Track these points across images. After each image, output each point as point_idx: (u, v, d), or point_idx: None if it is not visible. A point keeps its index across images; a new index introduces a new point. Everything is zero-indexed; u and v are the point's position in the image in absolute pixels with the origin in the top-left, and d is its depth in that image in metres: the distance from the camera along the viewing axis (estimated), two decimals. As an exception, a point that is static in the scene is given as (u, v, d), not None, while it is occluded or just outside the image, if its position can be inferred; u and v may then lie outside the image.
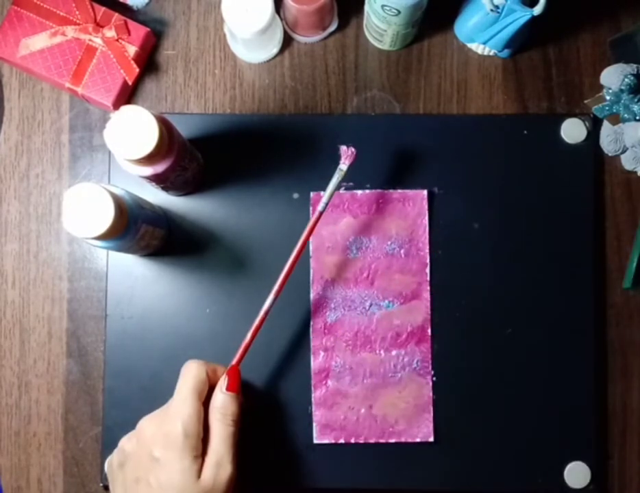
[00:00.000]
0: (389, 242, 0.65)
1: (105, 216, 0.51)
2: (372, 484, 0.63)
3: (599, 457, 0.64)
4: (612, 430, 0.65)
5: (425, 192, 0.65)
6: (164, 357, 0.64)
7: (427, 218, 0.65)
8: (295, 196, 0.65)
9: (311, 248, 0.65)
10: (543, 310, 0.64)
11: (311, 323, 0.64)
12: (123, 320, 0.64)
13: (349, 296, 0.64)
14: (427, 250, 0.65)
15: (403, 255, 0.65)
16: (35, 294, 0.66)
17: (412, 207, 0.65)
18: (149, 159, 0.53)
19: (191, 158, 0.60)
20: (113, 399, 0.63)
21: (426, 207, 0.65)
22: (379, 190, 0.65)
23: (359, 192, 0.65)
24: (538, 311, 0.64)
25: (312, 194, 0.65)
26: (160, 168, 0.55)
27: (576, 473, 0.63)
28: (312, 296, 0.64)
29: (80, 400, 0.65)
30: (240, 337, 0.64)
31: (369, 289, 0.64)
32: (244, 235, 0.65)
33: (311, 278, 0.64)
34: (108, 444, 0.63)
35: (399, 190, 0.65)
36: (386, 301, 0.64)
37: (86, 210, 0.51)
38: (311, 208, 0.65)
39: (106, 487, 0.63)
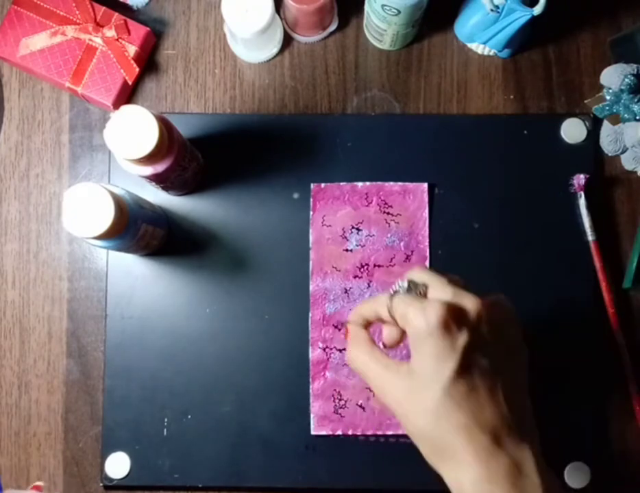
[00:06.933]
0: (389, 235, 0.65)
1: (105, 216, 0.51)
2: (370, 481, 0.63)
3: (599, 457, 0.64)
4: (613, 430, 0.65)
5: (425, 185, 0.65)
6: (164, 357, 0.64)
7: (427, 210, 0.65)
8: (295, 196, 0.65)
9: (311, 239, 0.65)
10: (543, 309, 0.64)
11: (310, 315, 0.64)
12: (123, 320, 0.64)
13: (348, 288, 0.64)
14: (427, 243, 0.65)
15: (403, 248, 0.65)
16: (35, 294, 0.66)
17: (413, 200, 0.65)
18: (149, 159, 0.53)
19: (191, 158, 0.60)
20: (113, 399, 0.64)
21: (426, 200, 0.65)
22: (379, 183, 0.65)
23: (359, 183, 0.65)
24: (537, 311, 0.64)
25: (312, 185, 0.65)
26: (160, 167, 0.55)
27: (576, 473, 0.63)
28: (311, 287, 0.64)
29: (80, 400, 0.65)
30: (239, 337, 0.64)
31: (369, 282, 0.64)
32: (244, 235, 0.65)
33: (310, 269, 0.64)
34: (108, 444, 0.63)
35: (400, 183, 0.65)
36: None
37: (86, 210, 0.51)
38: (311, 200, 0.65)
39: (106, 487, 0.64)
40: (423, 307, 0.45)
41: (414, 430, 0.47)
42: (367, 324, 0.50)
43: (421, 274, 0.49)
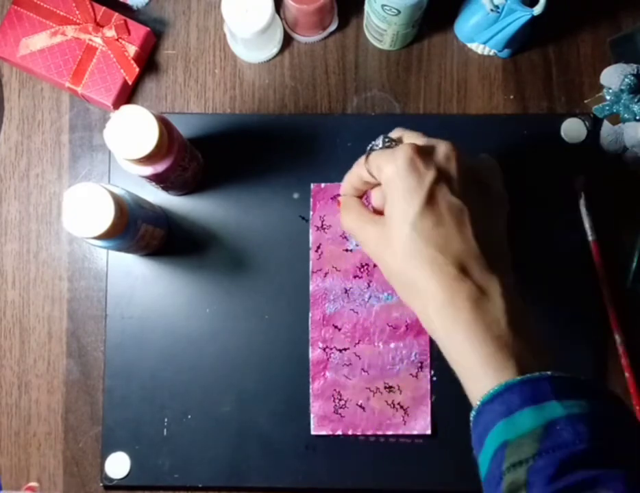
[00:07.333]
0: None
1: (105, 216, 0.51)
2: (370, 481, 0.63)
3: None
4: (612, 430, 0.64)
5: None
6: (163, 357, 0.64)
7: None
8: (295, 196, 0.65)
9: (311, 239, 0.65)
10: (543, 310, 0.64)
11: (310, 315, 0.64)
12: (123, 320, 0.64)
13: (348, 288, 0.64)
14: None
15: None
16: (35, 294, 0.66)
17: None
18: (149, 159, 0.53)
19: (191, 158, 0.60)
20: (113, 399, 0.64)
21: None
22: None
23: None
24: (538, 311, 0.64)
25: (312, 185, 0.65)
26: (160, 167, 0.55)
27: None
28: (311, 287, 0.64)
29: (80, 400, 0.65)
30: (239, 337, 0.65)
31: (369, 282, 0.64)
32: (244, 235, 0.65)
33: (310, 269, 0.64)
34: (108, 444, 0.63)
35: None
36: (385, 294, 0.64)
37: (86, 210, 0.51)
38: (311, 200, 0.65)
39: (106, 487, 0.64)
40: (393, 152, 0.47)
41: (387, 271, 0.49)
42: (358, 195, 0.53)
43: (396, 131, 0.51)
